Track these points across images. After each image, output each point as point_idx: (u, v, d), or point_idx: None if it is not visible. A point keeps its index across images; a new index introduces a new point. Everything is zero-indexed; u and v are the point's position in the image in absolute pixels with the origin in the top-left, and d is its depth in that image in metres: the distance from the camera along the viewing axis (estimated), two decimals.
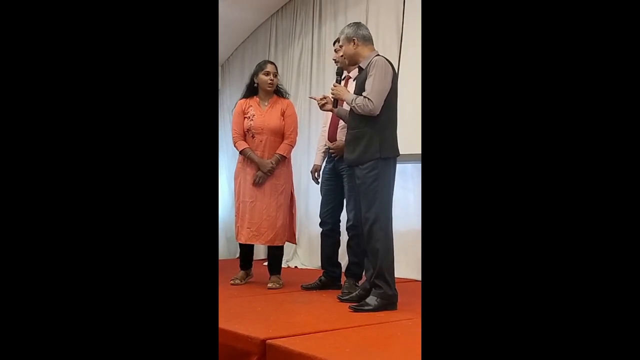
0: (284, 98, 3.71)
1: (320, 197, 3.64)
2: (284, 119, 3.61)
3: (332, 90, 3.11)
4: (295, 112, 3.72)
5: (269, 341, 2.16)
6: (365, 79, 2.91)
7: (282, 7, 5.49)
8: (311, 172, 3.72)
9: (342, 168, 3.43)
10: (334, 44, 3.54)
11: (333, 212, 3.54)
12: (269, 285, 3.59)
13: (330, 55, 4.88)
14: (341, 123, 3.43)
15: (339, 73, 3.26)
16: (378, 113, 2.86)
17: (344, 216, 3.54)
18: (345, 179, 3.44)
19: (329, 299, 3.24)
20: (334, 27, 4.91)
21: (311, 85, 5.08)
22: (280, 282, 3.64)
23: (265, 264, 4.75)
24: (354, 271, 3.44)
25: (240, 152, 3.65)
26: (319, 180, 3.66)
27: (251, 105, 3.65)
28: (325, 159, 3.64)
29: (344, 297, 3.14)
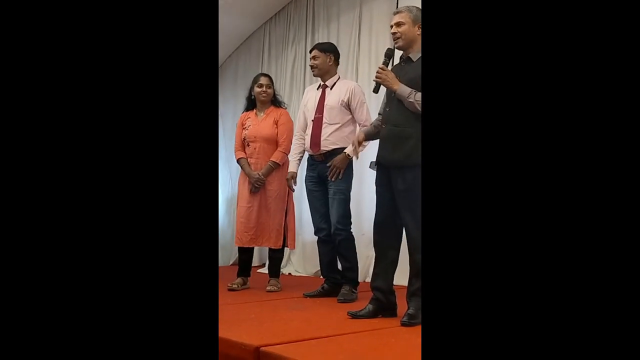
0: (281, 108, 3.92)
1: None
2: (277, 127, 3.80)
3: (379, 74, 2.71)
4: (289, 121, 3.87)
5: (262, 348, 2.14)
6: (419, 74, 2.50)
7: (275, 14, 5.50)
8: (287, 179, 3.70)
9: (328, 174, 3.42)
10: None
11: (326, 217, 3.53)
12: (268, 288, 3.73)
13: None
14: (325, 131, 3.45)
15: (388, 55, 2.82)
16: None
17: None
18: (330, 184, 3.44)
19: (324, 305, 3.23)
20: (326, 34, 4.92)
21: (304, 91, 5.06)
22: (279, 285, 3.79)
23: (260, 270, 4.78)
24: (350, 277, 3.44)
25: (237, 162, 3.94)
26: (294, 187, 3.71)
27: (249, 117, 3.92)
28: (307, 166, 3.65)
29: (342, 299, 3.27)
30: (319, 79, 3.65)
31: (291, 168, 3.71)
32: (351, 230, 3.48)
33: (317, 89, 3.64)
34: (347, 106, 3.47)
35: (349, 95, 3.46)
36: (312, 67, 3.61)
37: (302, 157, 3.69)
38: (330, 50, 3.61)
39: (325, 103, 3.52)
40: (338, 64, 3.66)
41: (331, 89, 3.55)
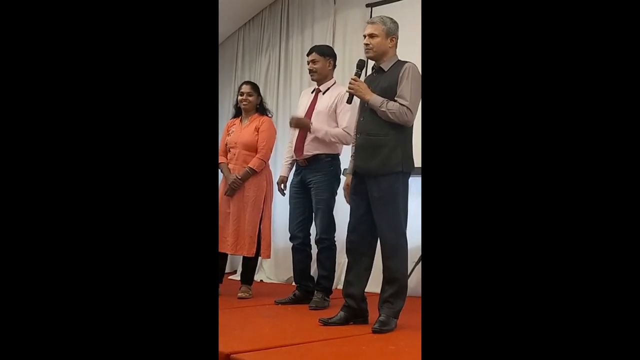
0: (265, 115, 3.90)
1: (287, 210, 3.64)
2: (257, 135, 3.78)
3: (352, 85, 2.77)
4: (270, 128, 3.83)
5: (233, 355, 2.12)
6: (393, 82, 2.71)
7: (249, 19, 5.49)
8: (277, 183, 3.73)
9: (310, 180, 3.44)
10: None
11: (303, 225, 3.54)
12: (239, 294, 3.72)
13: (298, 68, 4.93)
14: (310, 136, 3.44)
15: (360, 65, 2.89)
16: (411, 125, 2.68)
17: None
18: (312, 192, 3.44)
19: (295, 312, 3.22)
20: (300, 41, 4.93)
21: (278, 98, 5.07)
22: (250, 292, 3.78)
23: (231, 277, 4.75)
24: (324, 285, 3.44)
25: (218, 166, 3.97)
26: (285, 191, 3.68)
27: (235, 124, 3.95)
28: (293, 172, 3.64)
29: (313, 306, 3.28)
30: (315, 82, 3.57)
31: (282, 172, 3.71)
32: (334, 239, 3.49)
33: (312, 92, 3.60)
34: (335, 112, 3.42)
35: (336, 101, 3.41)
36: (310, 71, 3.51)
37: (294, 161, 3.63)
38: (329, 55, 3.54)
39: (314, 108, 3.48)
40: (335, 67, 3.59)
41: (324, 94, 3.50)
